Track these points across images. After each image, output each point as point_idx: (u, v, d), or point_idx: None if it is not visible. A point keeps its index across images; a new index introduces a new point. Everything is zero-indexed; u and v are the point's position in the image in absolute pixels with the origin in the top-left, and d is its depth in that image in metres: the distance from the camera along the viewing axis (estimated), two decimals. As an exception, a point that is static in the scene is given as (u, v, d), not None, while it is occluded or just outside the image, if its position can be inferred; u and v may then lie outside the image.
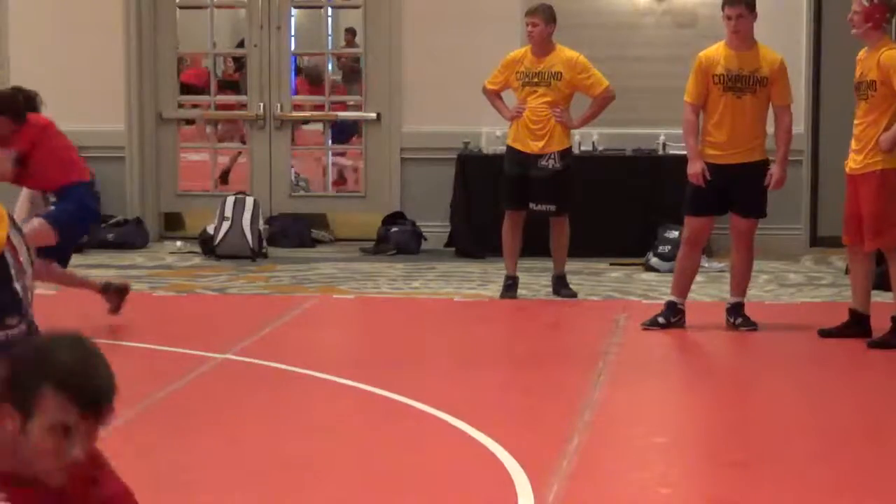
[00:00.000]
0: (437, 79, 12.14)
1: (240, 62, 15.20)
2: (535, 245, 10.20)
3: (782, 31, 11.00)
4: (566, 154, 9.82)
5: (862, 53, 8.32)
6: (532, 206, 9.78)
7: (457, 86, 11.98)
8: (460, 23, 12.09)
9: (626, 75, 11.17)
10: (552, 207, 9.75)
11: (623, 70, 11.19)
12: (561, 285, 9.95)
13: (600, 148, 11.89)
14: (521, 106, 9.79)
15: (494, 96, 10.03)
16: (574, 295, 9.88)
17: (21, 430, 2.67)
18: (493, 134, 11.80)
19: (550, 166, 9.71)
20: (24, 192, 12.38)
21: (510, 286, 9.89)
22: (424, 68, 12.20)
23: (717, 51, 8.67)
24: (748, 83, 8.55)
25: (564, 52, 9.81)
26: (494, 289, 10.16)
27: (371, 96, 12.65)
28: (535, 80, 9.74)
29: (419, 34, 12.23)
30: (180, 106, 13.26)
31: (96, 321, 9.14)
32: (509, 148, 9.94)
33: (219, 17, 14.51)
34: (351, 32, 16.69)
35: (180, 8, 13.34)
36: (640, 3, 12.09)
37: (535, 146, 9.74)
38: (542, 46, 9.76)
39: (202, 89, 14.63)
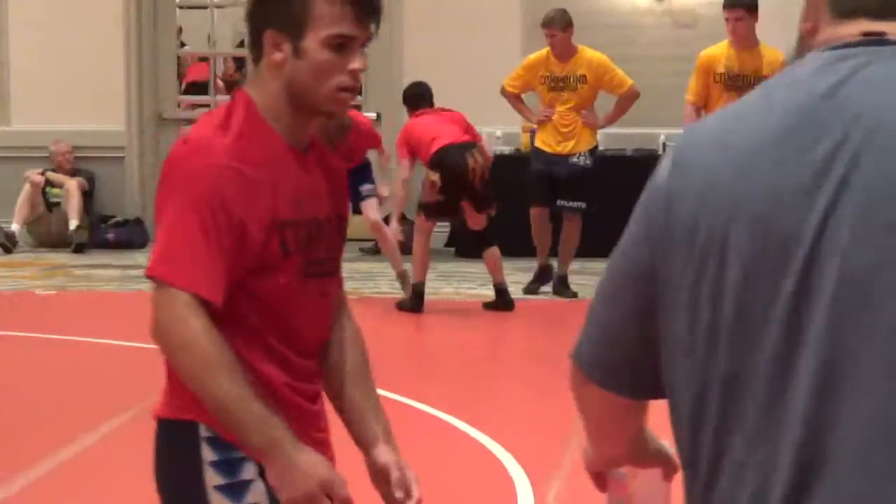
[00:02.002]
0: (437, 79, 12.12)
1: (240, 62, 15.21)
2: (534, 245, 10.18)
3: (782, 31, 10.99)
4: (594, 151, 9.92)
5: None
6: (562, 203, 9.82)
7: (457, 86, 11.98)
8: (460, 23, 12.09)
9: (627, 75, 11.16)
10: (583, 205, 9.80)
11: (623, 70, 11.17)
12: (562, 285, 9.97)
13: (600, 148, 11.88)
14: (548, 110, 9.82)
15: (515, 99, 10.06)
16: (574, 295, 9.88)
17: (295, 54, 2.51)
18: (493, 134, 11.80)
19: (581, 163, 9.78)
20: (24, 193, 12.41)
21: (542, 277, 9.97)
22: (424, 68, 12.19)
23: (719, 50, 8.68)
24: (750, 83, 8.56)
25: (587, 54, 9.84)
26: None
27: (371, 96, 12.65)
28: (561, 84, 9.79)
29: (419, 34, 12.23)
30: (180, 106, 13.27)
31: (95, 321, 9.14)
32: (536, 149, 10.04)
33: (219, 17, 14.51)
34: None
35: (180, 8, 13.35)
36: (640, 3, 12.09)
37: (563, 147, 9.83)
38: (564, 52, 9.78)
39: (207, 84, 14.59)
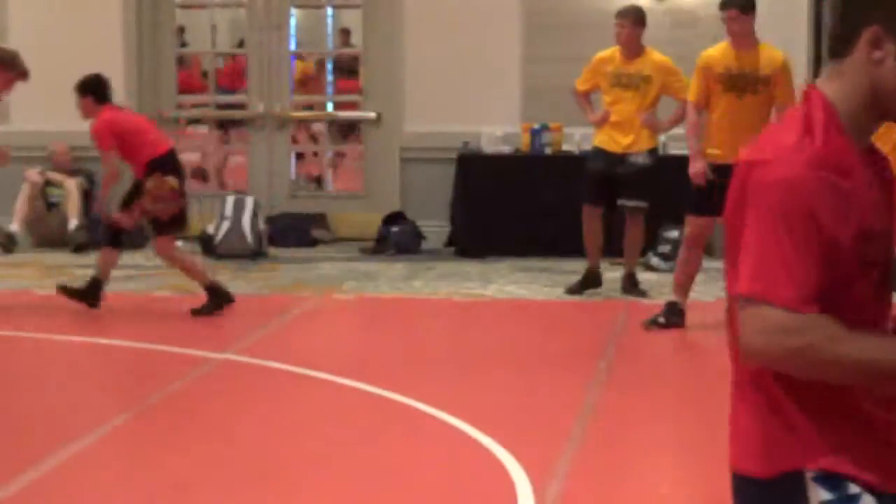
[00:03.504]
0: (437, 79, 12.13)
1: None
2: (536, 246, 10.17)
3: (782, 31, 10.99)
4: (653, 151, 9.85)
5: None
6: (623, 202, 9.76)
7: (457, 85, 11.99)
8: (460, 23, 12.08)
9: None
10: (643, 204, 9.75)
11: (623, 70, 11.17)
12: (632, 283, 9.93)
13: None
14: (606, 110, 9.78)
15: (582, 97, 10.00)
16: (643, 294, 9.85)
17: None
18: (493, 134, 11.80)
19: (640, 162, 9.72)
20: (23, 192, 12.40)
21: (591, 280, 9.95)
22: (424, 68, 12.19)
23: (718, 50, 8.67)
24: (749, 82, 8.54)
25: (653, 56, 9.79)
26: (494, 289, 10.16)
27: (371, 96, 12.65)
28: (624, 81, 9.73)
29: (419, 34, 12.22)
30: (180, 106, 13.26)
31: (96, 322, 9.14)
32: (596, 148, 9.93)
33: (219, 17, 14.51)
34: (345, 33, 16.66)
35: (180, 8, 13.35)
36: (640, 3, 12.07)
37: (622, 144, 9.75)
38: (631, 48, 9.74)
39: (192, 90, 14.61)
